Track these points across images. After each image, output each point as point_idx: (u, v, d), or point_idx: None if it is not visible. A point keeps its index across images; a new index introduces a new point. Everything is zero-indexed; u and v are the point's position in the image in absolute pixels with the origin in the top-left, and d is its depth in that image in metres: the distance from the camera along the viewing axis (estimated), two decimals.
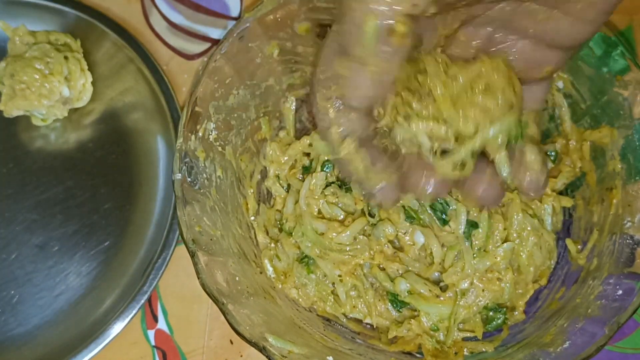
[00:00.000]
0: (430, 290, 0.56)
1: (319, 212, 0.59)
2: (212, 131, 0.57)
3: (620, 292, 0.50)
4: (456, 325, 0.56)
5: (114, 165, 0.69)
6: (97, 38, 0.71)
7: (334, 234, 0.57)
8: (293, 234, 0.60)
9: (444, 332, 0.56)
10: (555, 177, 0.59)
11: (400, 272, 0.57)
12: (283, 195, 0.63)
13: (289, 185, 0.63)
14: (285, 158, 0.63)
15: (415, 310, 0.57)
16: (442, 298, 0.56)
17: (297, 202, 0.60)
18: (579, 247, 0.57)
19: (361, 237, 0.58)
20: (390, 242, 0.57)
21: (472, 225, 0.55)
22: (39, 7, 0.71)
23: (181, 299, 0.65)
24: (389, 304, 0.58)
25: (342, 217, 0.59)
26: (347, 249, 0.57)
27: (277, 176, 0.64)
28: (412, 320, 0.57)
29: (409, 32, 0.35)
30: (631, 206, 0.53)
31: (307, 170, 0.62)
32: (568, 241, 0.58)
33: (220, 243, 0.55)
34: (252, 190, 0.62)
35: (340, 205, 0.59)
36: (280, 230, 0.62)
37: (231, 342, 0.64)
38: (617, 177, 0.55)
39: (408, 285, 0.56)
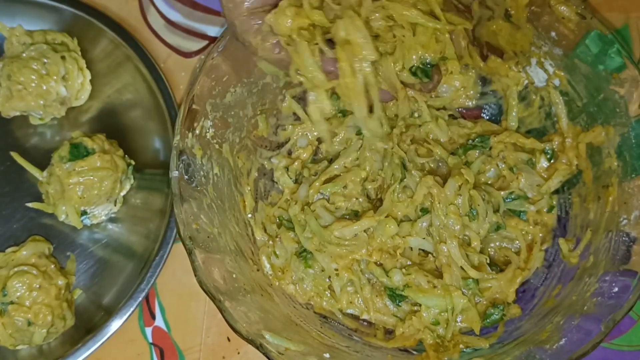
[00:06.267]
0: (428, 281, 0.56)
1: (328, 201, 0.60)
2: (209, 129, 0.57)
3: (616, 289, 0.50)
4: (455, 317, 0.56)
5: None
6: (95, 36, 0.71)
7: (339, 227, 0.57)
8: (294, 221, 0.60)
9: (444, 325, 0.56)
10: (551, 175, 0.60)
11: (400, 263, 0.57)
12: (290, 187, 0.63)
13: (297, 176, 0.63)
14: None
15: (415, 305, 0.57)
16: (438, 288, 0.56)
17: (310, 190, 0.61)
18: (571, 245, 0.57)
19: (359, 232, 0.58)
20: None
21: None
22: (35, 5, 0.71)
23: (178, 296, 0.65)
24: (387, 299, 0.58)
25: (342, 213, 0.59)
26: (346, 243, 0.57)
27: (286, 167, 0.64)
28: (413, 316, 0.57)
29: None
30: (627, 204, 0.53)
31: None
32: (561, 241, 0.58)
33: (217, 240, 0.56)
34: (249, 188, 0.62)
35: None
36: (279, 226, 0.62)
37: (228, 340, 0.64)
38: (614, 175, 0.55)
39: (401, 277, 0.56)
